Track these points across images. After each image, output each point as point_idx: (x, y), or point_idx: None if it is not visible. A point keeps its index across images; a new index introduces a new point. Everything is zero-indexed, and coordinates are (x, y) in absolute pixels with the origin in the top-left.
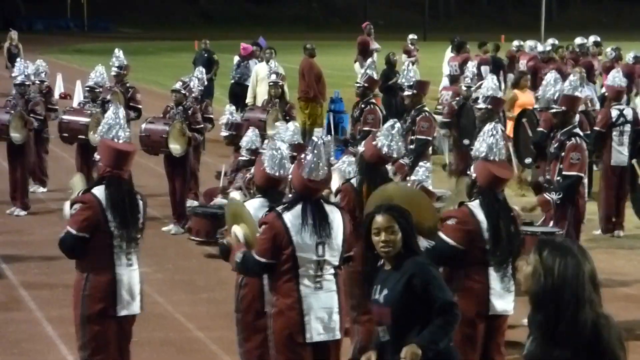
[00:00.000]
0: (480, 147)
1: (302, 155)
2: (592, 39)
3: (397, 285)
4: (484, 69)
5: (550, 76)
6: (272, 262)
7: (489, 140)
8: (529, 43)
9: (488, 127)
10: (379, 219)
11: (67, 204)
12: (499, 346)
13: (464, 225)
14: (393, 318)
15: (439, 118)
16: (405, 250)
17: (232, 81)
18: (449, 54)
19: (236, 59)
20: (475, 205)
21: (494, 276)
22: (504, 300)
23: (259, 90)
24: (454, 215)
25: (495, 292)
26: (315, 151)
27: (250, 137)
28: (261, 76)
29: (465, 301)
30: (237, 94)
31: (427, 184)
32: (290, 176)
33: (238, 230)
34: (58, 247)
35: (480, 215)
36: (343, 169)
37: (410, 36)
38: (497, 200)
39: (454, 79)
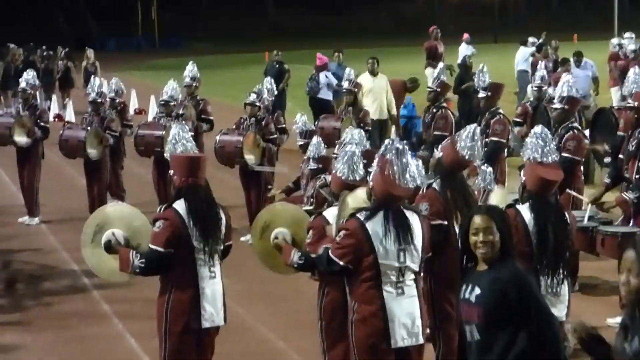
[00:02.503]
0: (528, 150)
1: (385, 162)
2: None
3: (492, 288)
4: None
5: (633, 71)
6: (349, 267)
7: (536, 143)
8: (616, 41)
9: (536, 129)
10: (478, 219)
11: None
12: None
13: None
14: (484, 318)
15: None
16: (502, 253)
17: (308, 96)
18: (522, 52)
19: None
20: (523, 208)
21: (542, 283)
22: (555, 307)
23: (366, 102)
24: None
25: (546, 298)
26: (401, 158)
27: (315, 145)
28: (366, 88)
29: None
30: (314, 108)
31: (492, 188)
32: (370, 183)
33: (284, 231)
34: (136, 272)
35: (527, 218)
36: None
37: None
38: (547, 204)
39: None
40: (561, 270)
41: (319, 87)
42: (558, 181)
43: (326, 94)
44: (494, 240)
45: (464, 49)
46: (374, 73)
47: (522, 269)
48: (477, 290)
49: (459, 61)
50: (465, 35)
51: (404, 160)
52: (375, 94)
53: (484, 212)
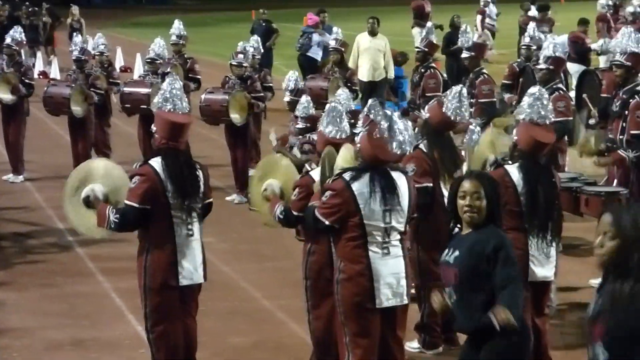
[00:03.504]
0: (524, 109)
1: (374, 126)
2: None
3: (470, 248)
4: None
5: (626, 30)
6: (335, 227)
7: (534, 104)
8: (604, 2)
9: (533, 89)
10: (467, 184)
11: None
12: (542, 310)
13: None
14: (460, 279)
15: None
16: (488, 219)
17: (298, 52)
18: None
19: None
20: (512, 168)
21: (532, 243)
22: (544, 268)
23: (360, 62)
24: None
25: (535, 258)
26: (391, 124)
27: (303, 103)
28: (362, 47)
29: None
30: (302, 66)
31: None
32: (358, 145)
33: (275, 183)
34: (114, 228)
35: (516, 178)
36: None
37: None
38: (537, 165)
39: None
40: (550, 231)
41: (310, 44)
42: (550, 143)
43: (315, 53)
44: (480, 206)
45: (490, 9)
46: (373, 33)
47: (504, 234)
48: (456, 252)
49: (487, 20)
50: None
51: (394, 127)
52: (371, 54)
53: (474, 177)
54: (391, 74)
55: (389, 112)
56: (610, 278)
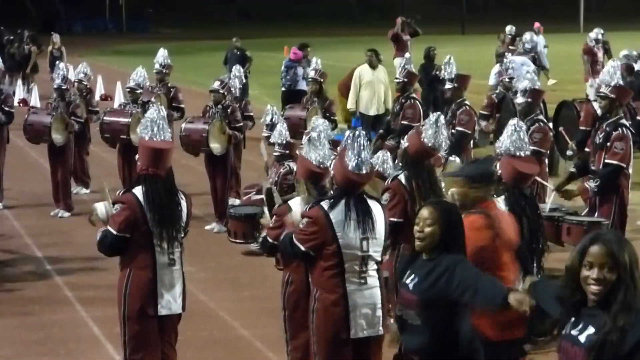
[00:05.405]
0: (504, 143)
1: (343, 150)
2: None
3: (429, 276)
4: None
5: (614, 63)
6: (311, 254)
7: (512, 136)
8: (593, 35)
9: (512, 122)
10: (422, 211)
11: (100, 205)
12: None
13: None
14: (421, 306)
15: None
16: (441, 246)
17: (283, 88)
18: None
19: (284, 61)
20: (499, 201)
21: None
22: None
23: (362, 94)
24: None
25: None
26: (356, 145)
27: (279, 130)
28: (365, 80)
29: None
30: (290, 100)
31: None
32: (332, 172)
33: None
34: (96, 247)
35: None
36: (377, 165)
37: (508, 28)
38: (523, 197)
39: None
40: (535, 264)
41: (297, 79)
42: (534, 174)
43: (304, 86)
44: (429, 232)
45: (536, 39)
46: (372, 65)
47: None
48: (416, 279)
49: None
50: (536, 24)
51: (356, 144)
52: (374, 87)
53: (430, 204)
54: (390, 104)
55: (356, 132)
56: (607, 312)
